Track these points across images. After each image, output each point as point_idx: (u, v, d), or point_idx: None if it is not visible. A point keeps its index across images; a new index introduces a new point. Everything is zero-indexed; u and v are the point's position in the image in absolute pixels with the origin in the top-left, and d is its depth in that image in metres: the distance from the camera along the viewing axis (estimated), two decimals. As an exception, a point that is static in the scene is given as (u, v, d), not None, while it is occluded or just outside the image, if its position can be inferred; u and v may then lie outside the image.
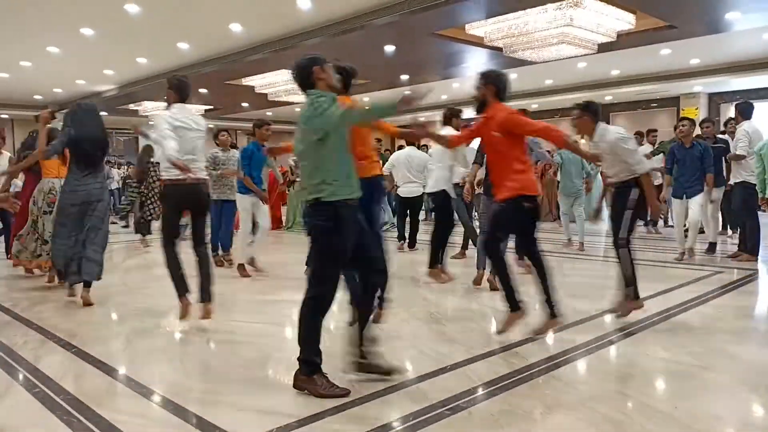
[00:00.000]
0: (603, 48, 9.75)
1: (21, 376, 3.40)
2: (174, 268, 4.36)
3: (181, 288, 4.37)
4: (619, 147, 4.31)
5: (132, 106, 17.38)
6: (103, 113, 18.03)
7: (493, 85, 3.97)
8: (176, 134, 4.09)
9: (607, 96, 16.72)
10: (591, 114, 4.53)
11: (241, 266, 6.49)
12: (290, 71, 3.27)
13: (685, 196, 6.99)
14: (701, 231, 7.52)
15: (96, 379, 3.35)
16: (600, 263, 7.22)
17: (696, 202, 6.93)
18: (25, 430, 2.72)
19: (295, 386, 3.07)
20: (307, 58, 3.21)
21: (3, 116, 18.86)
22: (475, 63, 12.15)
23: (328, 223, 2.99)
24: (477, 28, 9.22)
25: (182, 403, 2.95)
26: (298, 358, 3.08)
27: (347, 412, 2.83)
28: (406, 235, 8.79)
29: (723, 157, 7.77)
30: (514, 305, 3.99)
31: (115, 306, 5.07)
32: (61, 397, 3.05)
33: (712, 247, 7.51)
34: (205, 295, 4.32)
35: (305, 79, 3.18)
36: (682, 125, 6.93)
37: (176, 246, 4.38)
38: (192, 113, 4.49)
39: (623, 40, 9.73)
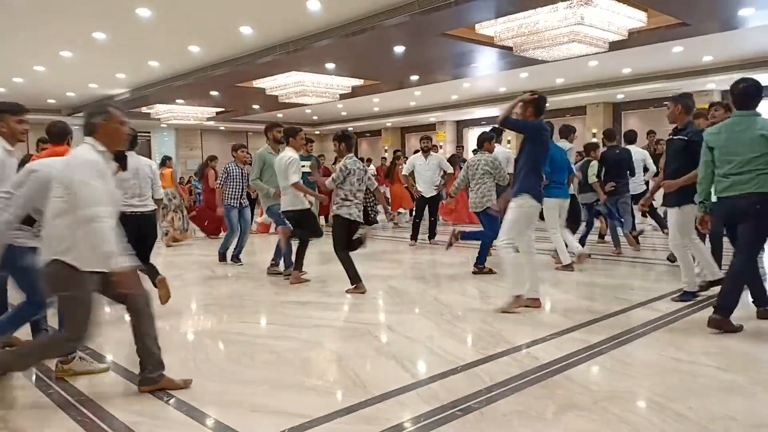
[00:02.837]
0: (614, 46, 9.67)
1: (35, 377, 3.43)
2: None
3: None
4: None
5: (144, 109, 17.51)
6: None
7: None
8: None
9: (619, 94, 16.60)
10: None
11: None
12: (745, 86, 4.14)
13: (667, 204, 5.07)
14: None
15: (110, 380, 3.38)
16: (613, 263, 7.17)
17: (670, 218, 4.98)
18: (40, 431, 2.75)
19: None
20: (757, 83, 4.13)
21: (18, 120, 19.09)
22: (485, 63, 12.13)
23: None
24: (487, 27, 9.19)
25: (195, 404, 2.97)
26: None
27: (359, 412, 2.84)
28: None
29: None
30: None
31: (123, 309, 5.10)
32: (75, 398, 3.09)
33: (685, 296, 5.00)
34: None
35: (756, 98, 4.17)
36: (668, 106, 5.01)
37: None
38: None
39: (635, 38, 9.65)
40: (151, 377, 3.12)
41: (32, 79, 13.02)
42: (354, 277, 5.69)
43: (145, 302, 3.16)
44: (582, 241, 7.38)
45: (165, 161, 11.17)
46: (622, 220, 7.57)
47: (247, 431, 2.66)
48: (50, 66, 11.84)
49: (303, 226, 6.16)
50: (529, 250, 4.97)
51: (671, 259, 6.68)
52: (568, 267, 6.53)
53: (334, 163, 12.69)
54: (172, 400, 3.04)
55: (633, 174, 7.63)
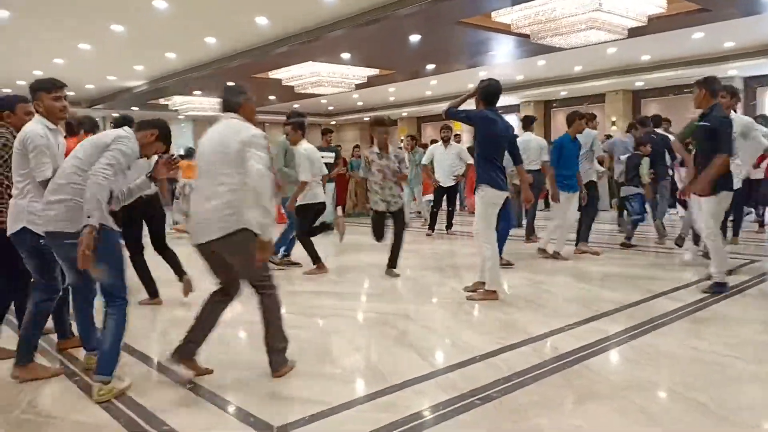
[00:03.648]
0: (633, 33, 9.53)
1: (62, 365, 3.50)
2: None
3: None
4: None
5: (162, 101, 17.64)
6: (134, 108, 18.18)
7: None
8: None
9: (638, 82, 16.37)
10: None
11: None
12: None
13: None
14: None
15: (134, 369, 3.43)
16: (636, 254, 7.11)
17: (705, 207, 4.80)
18: (68, 417, 2.81)
19: None
20: None
21: (38, 113, 19.33)
22: (502, 51, 12.03)
23: None
24: (503, 15, 9.11)
25: (218, 392, 3.02)
26: None
27: (378, 400, 2.86)
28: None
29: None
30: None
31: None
32: (101, 385, 3.14)
33: (716, 287, 4.86)
34: None
35: None
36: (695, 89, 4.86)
37: None
38: None
39: (654, 25, 9.49)
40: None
41: (52, 71, 13.08)
42: (394, 262, 5.95)
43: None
44: (631, 234, 7.46)
45: (190, 152, 11.95)
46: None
47: (269, 418, 2.69)
48: (69, 59, 11.96)
49: (317, 217, 6.24)
50: None
51: (678, 243, 6.93)
52: (554, 255, 6.65)
53: (352, 155, 12.68)
54: (195, 388, 3.09)
55: (674, 158, 7.49)
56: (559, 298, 5.00)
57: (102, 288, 3.11)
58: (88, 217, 2.79)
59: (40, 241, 3.17)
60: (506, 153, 5.05)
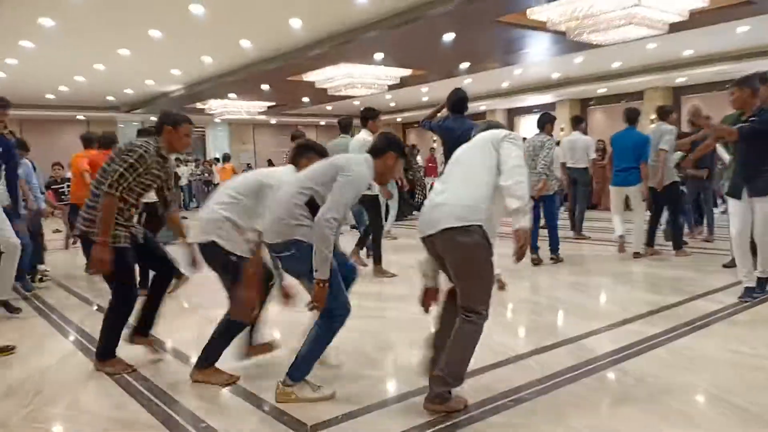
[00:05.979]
0: (674, 28, 9.28)
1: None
2: None
3: None
4: None
5: (198, 105, 17.96)
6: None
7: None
8: None
9: (680, 78, 15.94)
10: None
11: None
12: None
13: (746, 191, 4.48)
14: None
15: (172, 367, 3.52)
16: (669, 254, 6.95)
17: (761, 207, 4.41)
18: (109, 414, 2.89)
19: None
20: None
21: (79, 117, 19.89)
22: (537, 48, 11.88)
23: None
24: (539, 12, 8.98)
25: (254, 391, 3.07)
26: None
27: (410, 401, 2.87)
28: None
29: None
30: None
31: (185, 297, 5.28)
32: (140, 383, 3.23)
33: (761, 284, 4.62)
34: None
35: None
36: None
37: None
38: None
39: (697, 19, 9.22)
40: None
41: (93, 77, 13.55)
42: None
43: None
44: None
45: (227, 157, 13.32)
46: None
47: (303, 417, 2.72)
48: (109, 64, 12.28)
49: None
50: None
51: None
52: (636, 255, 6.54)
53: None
54: (231, 387, 3.14)
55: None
56: (596, 299, 4.93)
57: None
58: None
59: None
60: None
